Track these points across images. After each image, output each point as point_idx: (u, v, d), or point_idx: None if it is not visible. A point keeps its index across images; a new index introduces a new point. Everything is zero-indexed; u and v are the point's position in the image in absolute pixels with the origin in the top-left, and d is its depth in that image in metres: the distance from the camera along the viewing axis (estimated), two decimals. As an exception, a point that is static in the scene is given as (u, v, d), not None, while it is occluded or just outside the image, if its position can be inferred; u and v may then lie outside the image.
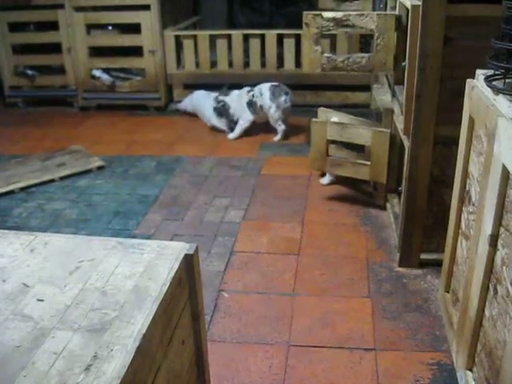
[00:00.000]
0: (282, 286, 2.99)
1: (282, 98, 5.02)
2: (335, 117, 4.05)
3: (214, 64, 6.05)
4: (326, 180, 4.15)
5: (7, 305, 1.51)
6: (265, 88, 5.11)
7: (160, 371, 1.49)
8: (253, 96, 5.13)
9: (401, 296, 2.88)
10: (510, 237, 1.72)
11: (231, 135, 5.26)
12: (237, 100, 5.23)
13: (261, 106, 5.11)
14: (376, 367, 2.40)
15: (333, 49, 5.65)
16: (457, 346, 2.27)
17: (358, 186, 4.08)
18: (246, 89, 5.22)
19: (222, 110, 5.27)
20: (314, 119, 3.84)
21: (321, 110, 4.22)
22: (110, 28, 6.20)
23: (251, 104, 5.13)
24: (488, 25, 2.18)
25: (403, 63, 3.03)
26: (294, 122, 5.36)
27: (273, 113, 5.06)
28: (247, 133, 5.28)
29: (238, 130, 5.24)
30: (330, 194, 4.03)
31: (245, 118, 5.20)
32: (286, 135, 5.16)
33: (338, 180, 4.11)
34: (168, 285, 1.57)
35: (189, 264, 1.73)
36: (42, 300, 1.53)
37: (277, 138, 5.14)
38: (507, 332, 1.70)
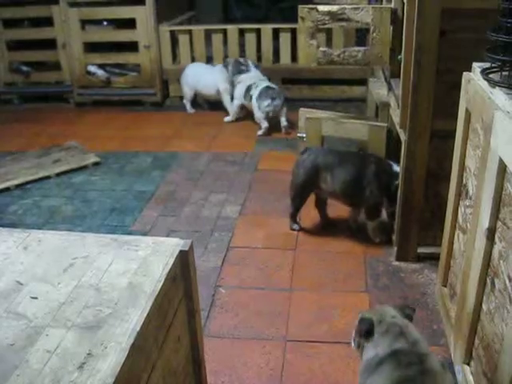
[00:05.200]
0: (279, 282, 2.98)
1: (265, 103, 5.12)
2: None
3: (209, 59, 6.02)
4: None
5: (0, 303, 1.50)
6: (260, 87, 5.21)
7: (155, 368, 1.48)
8: (252, 85, 5.29)
9: (398, 290, 2.87)
10: (507, 230, 1.71)
11: (227, 118, 5.53)
12: (244, 80, 5.42)
13: (250, 97, 5.27)
14: (373, 362, 2.39)
15: (329, 43, 5.63)
16: (454, 339, 2.26)
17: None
18: (250, 75, 5.42)
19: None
20: (308, 115, 3.81)
21: (302, 111, 4.02)
22: (105, 23, 6.17)
23: (248, 90, 5.30)
24: (484, 17, 2.17)
25: (399, 56, 3.01)
26: (290, 116, 5.34)
27: (255, 112, 5.23)
28: (244, 128, 5.29)
29: (232, 111, 5.53)
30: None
31: (237, 99, 5.47)
32: (269, 132, 5.23)
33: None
34: (163, 281, 1.56)
35: (184, 260, 1.72)
36: (35, 298, 1.52)
37: (259, 132, 5.24)
38: (505, 326, 1.69)
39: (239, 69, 5.43)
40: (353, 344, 1.93)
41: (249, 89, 5.30)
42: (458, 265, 2.34)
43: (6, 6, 5.99)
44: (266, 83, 5.26)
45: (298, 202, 3.45)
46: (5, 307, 1.48)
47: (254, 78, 5.38)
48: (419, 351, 1.74)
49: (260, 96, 5.14)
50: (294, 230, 3.48)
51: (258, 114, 5.18)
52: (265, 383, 2.32)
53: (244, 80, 5.38)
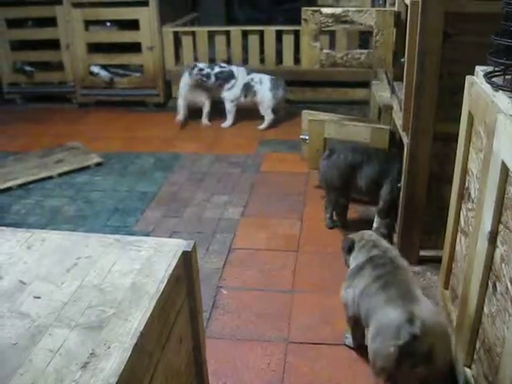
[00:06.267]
0: (281, 283, 2.98)
1: (280, 91, 5.35)
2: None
3: (212, 61, 6.02)
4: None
5: (4, 302, 1.50)
6: (265, 78, 5.34)
7: (158, 368, 1.48)
8: (252, 80, 5.36)
9: (400, 293, 2.86)
10: (509, 234, 1.71)
11: (225, 124, 5.49)
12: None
13: (254, 92, 5.35)
14: (375, 364, 2.39)
15: (332, 45, 5.63)
16: (456, 342, 2.26)
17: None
18: (245, 70, 5.47)
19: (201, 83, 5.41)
20: (311, 117, 3.81)
21: (304, 113, 4.08)
22: (109, 24, 6.18)
23: (247, 87, 5.36)
24: (487, 21, 2.17)
25: (402, 59, 3.02)
26: (292, 118, 5.36)
27: (267, 101, 5.33)
28: (245, 129, 5.30)
29: (230, 115, 5.49)
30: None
31: (233, 98, 5.42)
32: (274, 124, 5.40)
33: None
34: (166, 282, 1.57)
35: (187, 261, 1.72)
36: (38, 297, 1.52)
37: (262, 126, 5.36)
38: (506, 329, 1.69)
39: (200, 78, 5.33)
40: (344, 262, 2.52)
41: (247, 86, 5.34)
42: (460, 268, 2.34)
43: (9, 6, 6.01)
44: (264, 76, 5.37)
45: (341, 200, 3.45)
46: (8, 306, 1.49)
47: (242, 75, 5.41)
48: (390, 255, 2.31)
49: (273, 87, 5.30)
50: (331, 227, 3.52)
51: (270, 103, 5.30)
52: (266, 384, 2.32)
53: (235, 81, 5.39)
